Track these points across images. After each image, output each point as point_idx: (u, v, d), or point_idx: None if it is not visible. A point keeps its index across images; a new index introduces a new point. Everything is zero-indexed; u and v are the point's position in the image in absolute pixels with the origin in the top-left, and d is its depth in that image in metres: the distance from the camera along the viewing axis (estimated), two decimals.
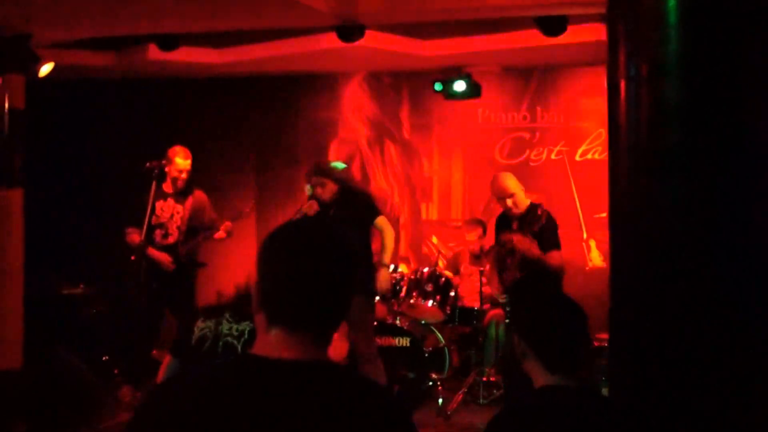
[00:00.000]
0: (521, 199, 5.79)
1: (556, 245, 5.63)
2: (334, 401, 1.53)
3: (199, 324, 3.61)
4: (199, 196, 6.71)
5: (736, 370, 2.85)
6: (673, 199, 2.92)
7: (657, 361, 2.90)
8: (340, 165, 6.15)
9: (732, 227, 2.88)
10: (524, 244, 5.42)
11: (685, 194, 2.93)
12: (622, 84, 2.93)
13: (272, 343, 1.60)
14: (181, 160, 6.52)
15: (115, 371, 7.37)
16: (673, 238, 2.93)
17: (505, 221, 5.91)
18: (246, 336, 3.47)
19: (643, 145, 2.95)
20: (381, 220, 5.84)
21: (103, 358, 7.49)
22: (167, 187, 6.56)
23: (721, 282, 2.86)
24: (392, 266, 6.21)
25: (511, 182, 5.86)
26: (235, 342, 3.49)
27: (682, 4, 2.87)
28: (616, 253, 3.10)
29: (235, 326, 3.51)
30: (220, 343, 3.51)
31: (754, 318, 2.86)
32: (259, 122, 8.88)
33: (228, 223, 6.66)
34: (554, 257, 5.56)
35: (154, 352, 6.63)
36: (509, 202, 5.78)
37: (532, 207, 5.74)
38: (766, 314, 2.86)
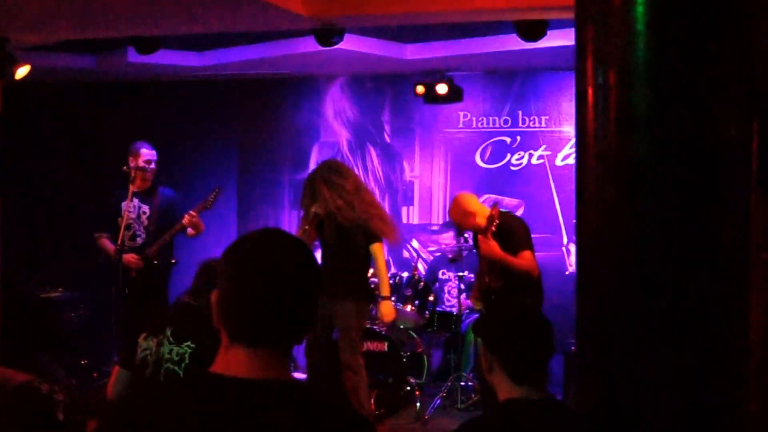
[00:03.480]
0: (481, 219, 5.45)
1: (526, 246, 5.41)
2: (299, 422, 1.50)
3: (141, 342, 3.42)
4: (166, 194, 6.55)
5: (706, 380, 2.83)
6: (641, 208, 2.89)
7: (624, 371, 2.88)
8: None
9: (701, 237, 2.85)
10: (485, 245, 5.33)
11: (654, 203, 2.90)
12: (590, 91, 2.90)
13: (234, 361, 1.56)
14: (143, 155, 6.38)
15: (95, 375, 7.33)
16: (641, 248, 2.91)
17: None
18: (187, 360, 3.30)
19: (610, 153, 2.92)
20: (376, 247, 5.64)
21: (82, 362, 7.45)
22: (133, 186, 6.34)
23: (689, 292, 2.84)
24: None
25: (467, 206, 5.58)
26: (176, 368, 3.30)
27: (650, 11, 2.85)
28: (584, 263, 3.07)
29: (175, 349, 3.32)
30: (162, 370, 3.34)
31: (723, 328, 2.85)
32: (241, 125, 8.86)
33: (191, 214, 6.33)
34: (524, 257, 5.35)
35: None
36: (476, 220, 5.51)
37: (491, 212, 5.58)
38: (735, 324, 2.85)
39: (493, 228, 5.22)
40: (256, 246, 1.62)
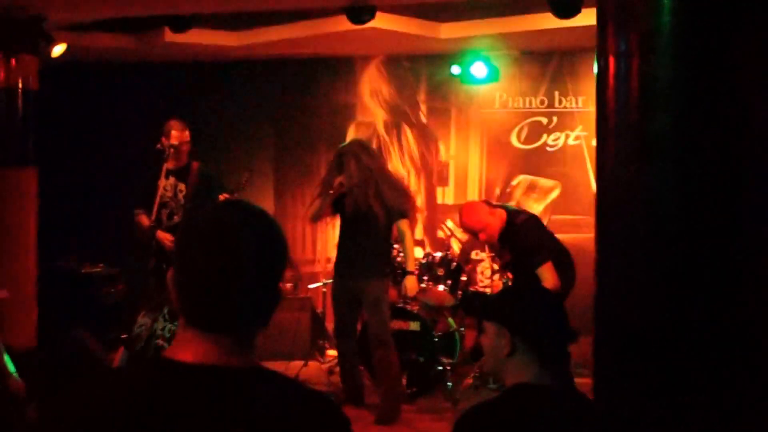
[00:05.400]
0: (494, 228, 5.46)
1: (545, 257, 5.27)
2: (257, 411, 1.37)
3: (140, 319, 3.42)
4: (201, 171, 6.45)
5: (725, 362, 2.73)
6: (663, 185, 2.77)
7: (643, 351, 2.80)
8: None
9: (725, 214, 2.73)
10: None
11: (676, 179, 2.77)
12: (611, 60, 2.82)
13: (188, 346, 1.42)
14: (177, 132, 6.27)
15: None
16: (662, 226, 2.79)
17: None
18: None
19: (632, 125, 2.82)
20: (403, 224, 5.71)
21: (122, 337, 7.55)
22: (169, 164, 6.30)
23: (711, 271, 2.73)
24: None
25: (478, 216, 5.50)
26: (166, 345, 3.28)
27: None
28: (603, 241, 2.97)
29: (168, 326, 3.29)
30: (153, 345, 3.32)
31: (745, 307, 2.74)
32: (277, 106, 8.88)
33: (224, 196, 6.16)
34: (545, 274, 5.19)
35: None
36: (482, 236, 5.52)
37: (509, 226, 5.46)
38: (757, 302, 2.74)
39: (519, 245, 5.27)
40: (207, 221, 1.46)
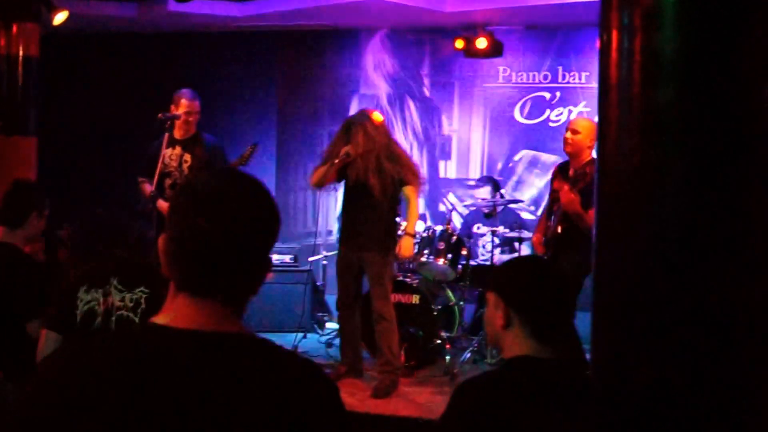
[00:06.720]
0: (582, 144, 5.47)
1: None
2: (245, 377, 1.37)
3: (82, 295, 3.15)
4: (209, 143, 6.39)
5: (727, 350, 2.71)
6: (665, 160, 2.74)
7: (641, 333, 2.78)
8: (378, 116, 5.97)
9: (730, 190, 2.70)
10: (567, 196, 5.34)
11: (679, 155, 2.74)
12: (614, 34, 2.78)
13: (178, 311, 1.43)
14: (187, 102, 6.21)
15: None
16: (664, 202, 2.76)
17: (563, 169, 5.80)
18: (143, 305, 3.10)
19: (634, 101, 2.78)
20: (408, 190, 5.76)
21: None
22: (176, 133, 6.25)
23: (715, 249, 2.70)
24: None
25: (585, 123, 5.56)
26: (132, 315, 3.08)
27: None
28: (603, 217, 2.93)
29: (127, 295, 3.09)
30: (113, 319, 3.10)
31: (747, 291, 2.72)
32: (280, 77, 8.86)
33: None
34: (593, 216, 5.36)
35: None
36: (568, 135, 5.53)
37: (590, 162, 5.53)
38: (760, 286, 2.72)
39: (581, 184, 5.23)
40: (202, 187, 1.46)
